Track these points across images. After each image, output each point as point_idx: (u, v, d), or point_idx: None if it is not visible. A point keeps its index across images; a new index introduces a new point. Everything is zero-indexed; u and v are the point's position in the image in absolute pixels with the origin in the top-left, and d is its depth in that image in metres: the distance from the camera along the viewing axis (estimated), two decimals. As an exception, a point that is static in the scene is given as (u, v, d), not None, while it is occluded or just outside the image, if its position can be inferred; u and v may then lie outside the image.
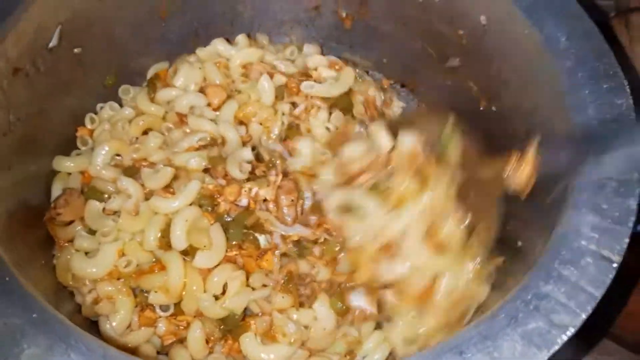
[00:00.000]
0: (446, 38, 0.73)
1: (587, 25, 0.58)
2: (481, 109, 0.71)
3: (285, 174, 0.68)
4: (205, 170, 0.67)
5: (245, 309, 0.62)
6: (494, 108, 0.69)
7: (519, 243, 0.56)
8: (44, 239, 0.63)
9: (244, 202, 0.66)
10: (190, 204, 0.64)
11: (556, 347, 0.38)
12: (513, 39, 0.61)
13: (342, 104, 0.77)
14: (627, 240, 0.43)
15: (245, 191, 0.65)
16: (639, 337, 0.79)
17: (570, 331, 0.39)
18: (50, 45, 0.63)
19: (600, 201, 0.45)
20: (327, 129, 0.74)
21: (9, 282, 0.43)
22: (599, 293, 0.41)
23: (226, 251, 0.63)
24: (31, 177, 0.64)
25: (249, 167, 0.67)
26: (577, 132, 0.51)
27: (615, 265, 0.42)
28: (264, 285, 0.63)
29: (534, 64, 0.59)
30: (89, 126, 0.73)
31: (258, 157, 0.71)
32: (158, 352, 0.61)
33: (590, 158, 0.48)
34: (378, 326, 0.64)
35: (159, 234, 0.62)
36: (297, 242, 0.66)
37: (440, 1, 0.71)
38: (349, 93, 0.77)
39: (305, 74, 0.78)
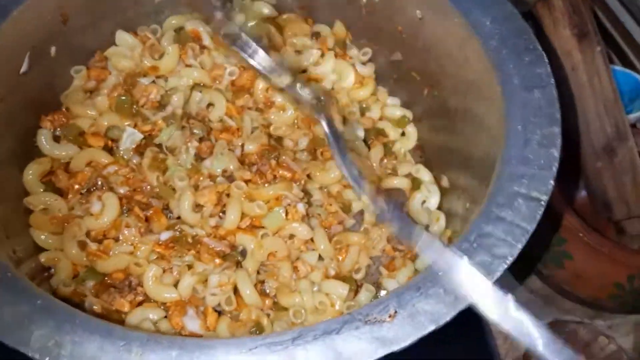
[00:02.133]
0: (388, 35, 0.80)
1: (508, 9, 0.66)
2: (425, 93, 0.78)
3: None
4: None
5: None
6: (435, 93, 0.76)
7: (467, 205, 0.64)
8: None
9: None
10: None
11: (498, 274, 0.45)
12: (445, 28, 0.69)
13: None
14: (552, 182, 0.51)
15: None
16: (591, 294, 0.86)
17: (509, 260, 0.46)
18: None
19: (527, 153, 0.53)
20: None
21: (10, 276, 0.47)
22: (530, 227, 0.48)
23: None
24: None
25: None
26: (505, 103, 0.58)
27: (542, 203, 0.49)
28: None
29: (465, 48, 0.67)
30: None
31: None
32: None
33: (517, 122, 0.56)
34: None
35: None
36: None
37: (380, 1, 0.78)
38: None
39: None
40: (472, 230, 0.48)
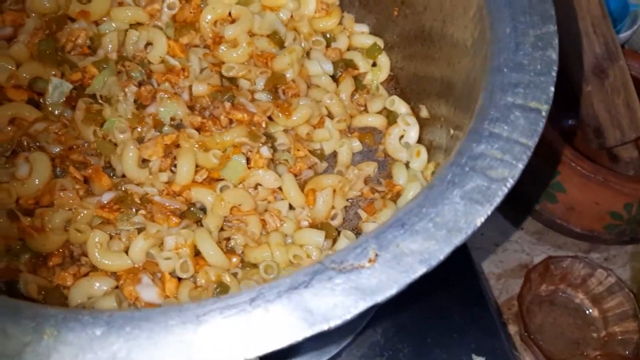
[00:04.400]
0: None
1: None
2: (395, 14, 0.69)
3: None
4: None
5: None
6: (407, 12, 0.67)
7: (451, 132, 0.55)
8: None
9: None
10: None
11: (498, 200, 0.37)
12: None
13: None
14: (552, 89, 0.42)
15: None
16: (586, 226, 0.81)
17: (510, 182, 0.38)
18: None
19: (520, 58, 0.44)
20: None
21: None
22: (532, 142, 0.40)
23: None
24: None
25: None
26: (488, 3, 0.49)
27: (544, 113, 0.41)
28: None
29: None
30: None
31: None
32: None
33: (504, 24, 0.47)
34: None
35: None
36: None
37: None
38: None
39: None
40: (462, 151, 0.40)
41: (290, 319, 0.33)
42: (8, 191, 0.58)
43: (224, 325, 0.33)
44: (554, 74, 0.43)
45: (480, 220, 0.36)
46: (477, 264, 0.82)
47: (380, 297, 0.33)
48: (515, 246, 0.90)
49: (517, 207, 0.87)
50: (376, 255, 0.35)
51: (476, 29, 0.51)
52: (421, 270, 0.34)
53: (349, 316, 0.33)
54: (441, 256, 0.34)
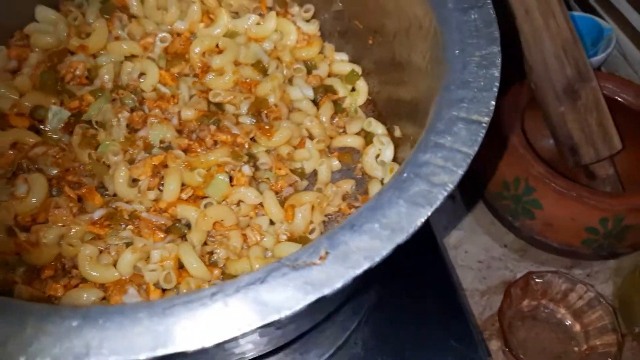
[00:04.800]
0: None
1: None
2: (370, 43, 0.74)
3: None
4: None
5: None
6: (380, 40, 0.72)
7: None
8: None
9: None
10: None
11: (438, 202, 0.40)
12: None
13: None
14: (493, 102, 0.46)
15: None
16: (563, 241, 0.83)
17: (449, 187, 0.41)
18: None
19: (466, 76, 0.48)
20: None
21: None
22: (472, 151, 0.43)
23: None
24: None
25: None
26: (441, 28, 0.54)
27: (484, 124, 0.45)
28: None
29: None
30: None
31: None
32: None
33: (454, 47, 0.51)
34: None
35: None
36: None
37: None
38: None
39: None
40: (410, 161, 0.44)
41: (247, 310, 0.36)
42: (7, 209, 0.63)
43: (187, 317, 0.36)
44: (496, 89, 0.47)
45: (420, 221, 0.39)
46: (456, 279, 0.84)
47: (327, 290, 0.37)
48: (499, 263, 0.91)
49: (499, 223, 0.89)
50: (327, 253, 0.38)
51: (434, 52, 0.56)
52: (365, 265, 0.38)
53: (298, 307, 0.36)
54: (384, 252, 0.38)
